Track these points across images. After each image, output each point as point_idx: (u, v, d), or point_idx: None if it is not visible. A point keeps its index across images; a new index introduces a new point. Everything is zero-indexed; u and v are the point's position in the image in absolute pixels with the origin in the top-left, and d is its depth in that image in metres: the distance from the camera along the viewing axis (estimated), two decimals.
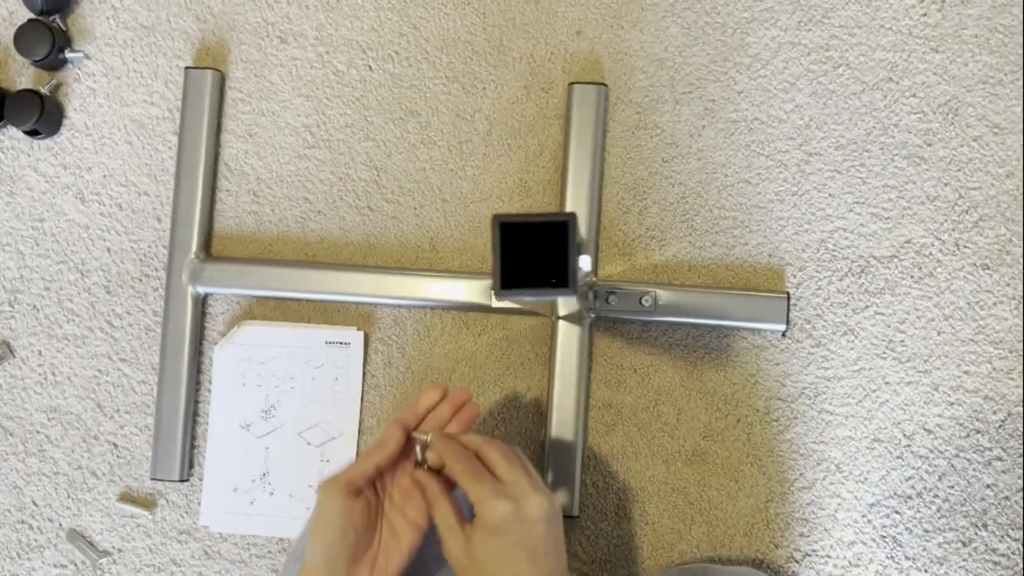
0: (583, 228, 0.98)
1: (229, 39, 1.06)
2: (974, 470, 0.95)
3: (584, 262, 0.59)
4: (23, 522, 1.04)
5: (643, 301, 0.96)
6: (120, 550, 1.03)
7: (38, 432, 1.05)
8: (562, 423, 0.97)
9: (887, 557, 0.95)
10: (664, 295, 0.97)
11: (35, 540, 1.04)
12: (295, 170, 1.04)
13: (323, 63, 1.05)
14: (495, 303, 0.98)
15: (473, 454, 0.70)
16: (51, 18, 1.06)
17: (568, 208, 0.98)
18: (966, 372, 0.96)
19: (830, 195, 0.99)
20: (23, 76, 1.08)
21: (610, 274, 1.00)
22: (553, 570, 0.67)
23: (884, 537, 0.96)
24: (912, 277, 0.97)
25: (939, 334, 0.97)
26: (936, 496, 0.96)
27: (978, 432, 0.96)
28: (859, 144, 0.99)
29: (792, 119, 1.00)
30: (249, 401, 1.02)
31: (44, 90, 1.05)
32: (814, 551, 0.96)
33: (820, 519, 0.96)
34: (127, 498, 1.03)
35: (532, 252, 0.59)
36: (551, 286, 0.59)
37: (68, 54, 1.06)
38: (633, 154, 1.01)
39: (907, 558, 0.95)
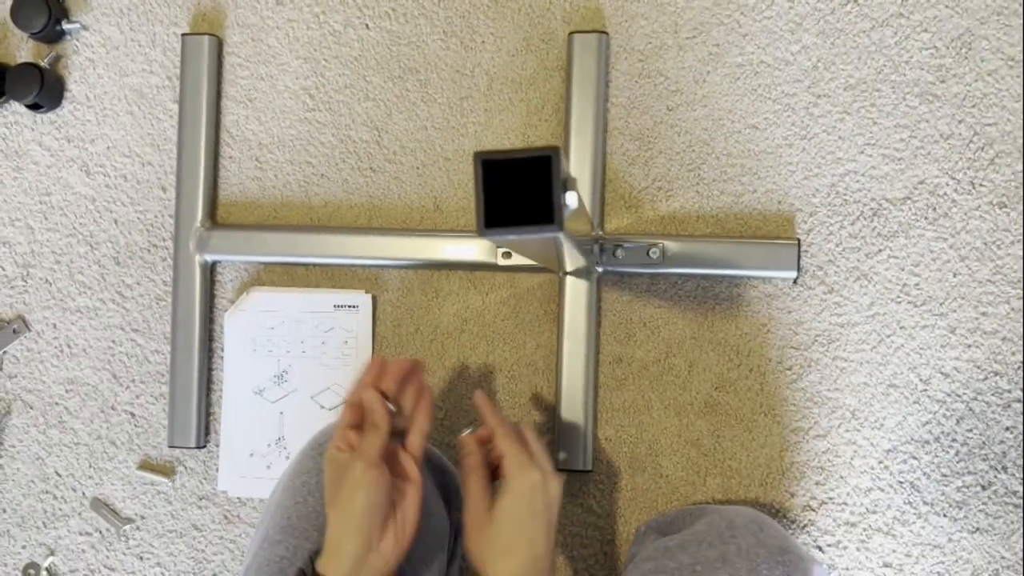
0: (587, 181, 0.96)
1: (225, 4, 1.05)
2: (993, 413, 0.94)
3: (571, 198, 0.58)
4: (47, 492, 1.06)
5: (651, 253, 0.95)
6: (143, 517, 1.05)
7: (57, 404, 1.06)
8: (572, 379, 0.96)
9: (905, 503, 0.94)
10: (672, 246, 0.95)
11: (60, 509, 1.06)
12: (296, 134, 1.04)
13: (319, 23, 1.03)
14: (502, 261, 0.97)
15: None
16: None
17: (572, 160, 0.97)
18: (983, 313, 0.94)
19: (840, 138, 0.96)
20: (22, 50, 1.08)
21: (617, 227, 0.99)
22: (551, 550, 0.72)
23: (902, 483, 0.95)
24: (926, 218, 0.95)
25: (955, 276, 0.95)
26: (954, 440, 0.94)
27: (996, 374, 0.94)
28: (869, 84, 0.96)
29: (799, 61, 0.97)
30: (261, 367, 1.03)
31: (44, 63, 1.05)
32: (831, 499, 0.95)
33: (836, 467, 0.95)
34: (147, 466, 1.05)
35: (518, 190, 0.58)
36: (536, 223, 0.57)
37: (65, 25, 1.05)
38: (637, 103, 0.99)
39: (925, 503, 0.94)
